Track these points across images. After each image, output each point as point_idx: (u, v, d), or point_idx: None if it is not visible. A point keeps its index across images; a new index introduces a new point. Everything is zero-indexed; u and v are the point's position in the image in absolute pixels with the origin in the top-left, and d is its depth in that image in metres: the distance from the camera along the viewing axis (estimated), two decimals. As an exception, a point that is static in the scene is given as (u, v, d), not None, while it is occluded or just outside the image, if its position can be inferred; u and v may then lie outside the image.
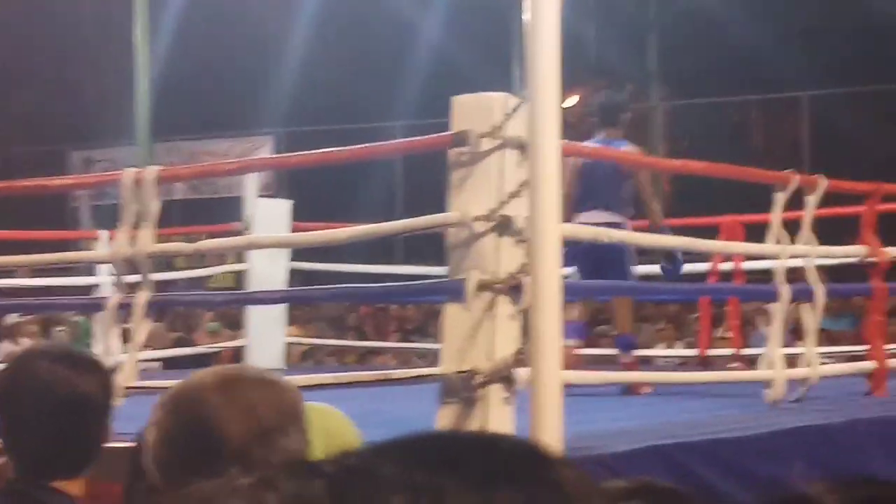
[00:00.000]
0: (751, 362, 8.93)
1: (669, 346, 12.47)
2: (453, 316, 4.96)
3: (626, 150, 8.09)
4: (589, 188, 8.04)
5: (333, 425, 2.25)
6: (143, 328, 5.83)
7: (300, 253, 10.50)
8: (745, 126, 21.22)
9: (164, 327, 13.82)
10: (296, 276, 10.96)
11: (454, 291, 4.94)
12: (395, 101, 19.55)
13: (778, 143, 20.37)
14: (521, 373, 4.60)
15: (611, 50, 20.17)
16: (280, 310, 10.52)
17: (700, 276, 9.97)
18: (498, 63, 17.73)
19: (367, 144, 5.97)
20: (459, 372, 4.81)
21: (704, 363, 10.09)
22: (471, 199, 4.96)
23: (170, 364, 11.61)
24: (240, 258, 10.65)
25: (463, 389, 4.79)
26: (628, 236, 6.42)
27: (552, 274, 4.20)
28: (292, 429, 1.93)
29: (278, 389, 2.01)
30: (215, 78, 21.86)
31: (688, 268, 9.97)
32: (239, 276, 10.62)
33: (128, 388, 5.53)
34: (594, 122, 8.47)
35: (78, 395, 2.56)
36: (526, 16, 4.28)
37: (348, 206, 17.45)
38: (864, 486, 1.31)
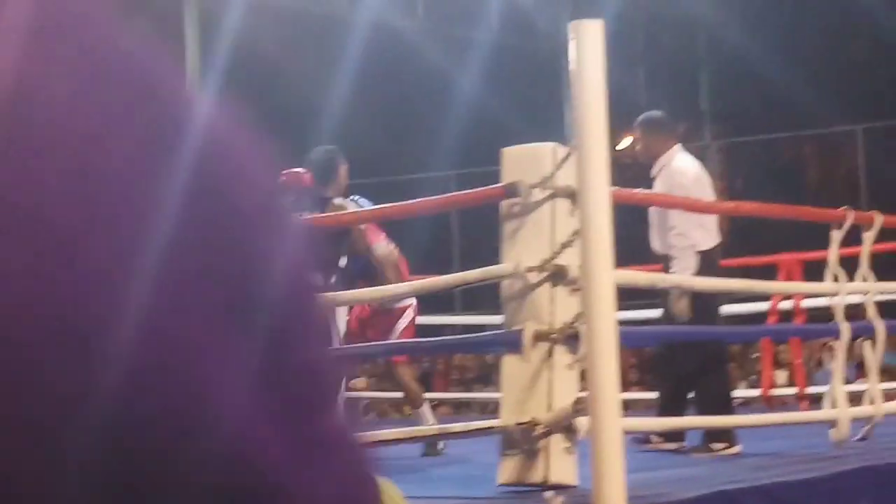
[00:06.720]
0: (814, 401, 8.84)
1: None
2: (511, 367, 4.95)
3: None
4: None
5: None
6: None
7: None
8: (800, 162, 21.07)
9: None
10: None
11: (511, 342, 4.94)
12: (437, 152, 19.51)
13: (833, 179, 20.20)
14: (582, 422, 4.58)
15: (661, 91, 20.14)
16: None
17: (760, 316, 9.90)
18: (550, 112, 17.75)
19: (418, 199, 5.99)
20: (519, 423, 4.79)
21: (767, 403, 10.00)
22: (524, 249, 4.96)
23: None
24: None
25: (524, 441, 4.78)
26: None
27: (608, 322, 4.19)
28: None
29: None
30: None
31: (748, 308, 9.90)
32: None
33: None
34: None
35: None
36: (571, 65, 4.28)
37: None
38: None
